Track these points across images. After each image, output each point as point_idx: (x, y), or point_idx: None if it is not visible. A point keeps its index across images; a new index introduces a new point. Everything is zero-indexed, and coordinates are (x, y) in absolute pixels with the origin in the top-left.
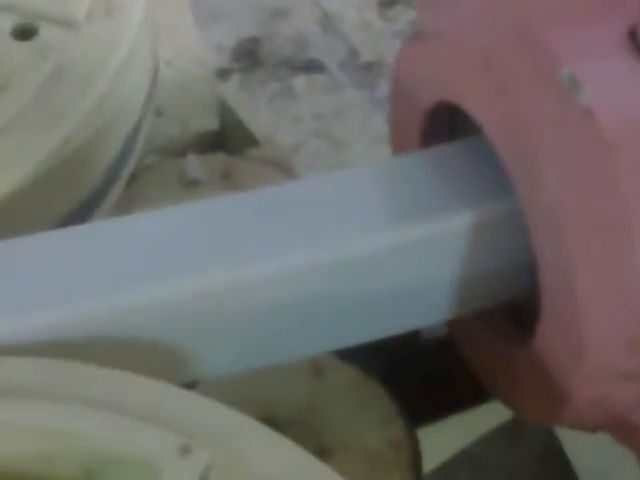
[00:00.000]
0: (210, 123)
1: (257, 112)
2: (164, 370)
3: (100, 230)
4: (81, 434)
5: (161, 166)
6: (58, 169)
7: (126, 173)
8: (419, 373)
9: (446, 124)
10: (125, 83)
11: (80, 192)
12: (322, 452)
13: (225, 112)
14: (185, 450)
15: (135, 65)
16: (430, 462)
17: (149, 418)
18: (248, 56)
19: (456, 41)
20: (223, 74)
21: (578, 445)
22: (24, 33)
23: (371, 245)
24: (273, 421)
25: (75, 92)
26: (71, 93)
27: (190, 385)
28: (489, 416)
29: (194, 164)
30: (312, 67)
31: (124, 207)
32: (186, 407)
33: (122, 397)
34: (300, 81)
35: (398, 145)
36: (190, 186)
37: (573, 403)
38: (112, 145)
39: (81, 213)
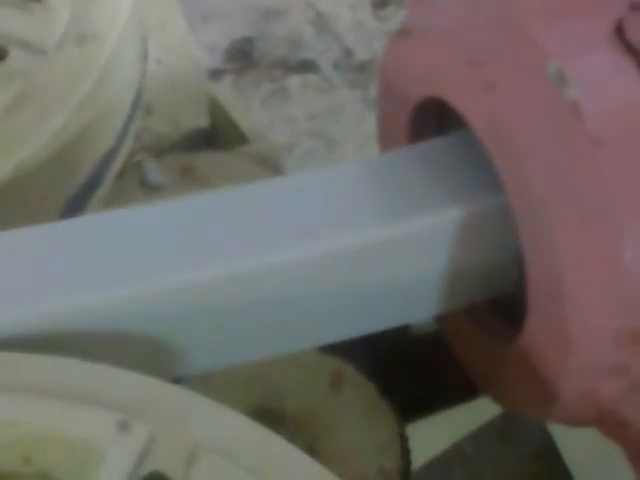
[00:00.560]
0: (200, 120)
1: (250, 112)
2: (154, 364)
3: (88, 224)
4: (15, 422)
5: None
6: (22, 185)
7: (107, 183)
8: (409, 368)
9: (434, 120)
10: (105, 94)
11: (48, 208)
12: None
13: (215, 109)
14: (124, 426)
15: (115, 79)
16: (420, 458)
17: (83, 399)
18: (241, 56)
19: (443, 37)
20: (216, 75)
21: (571, 441)
22: None
23: (359, 241)
24: (273, 412)
25: (35, 119)
26: (32, 119)
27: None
28: (480, 412)
29: (152, 168)
30: (305, 67)
31: (114, 201)
32: (122, 385)
33: (54, 381)
34: (294, 81)
35: (386, 141)
36: (153, 190)
37: (561, 397)
38: (85, 167)
39: (65, 213)
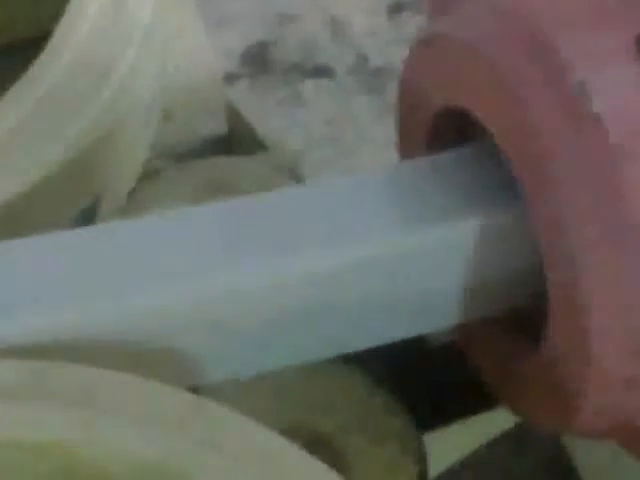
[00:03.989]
0: (218, 128)
1: (265, 117)
2: (170, 374)
3: (105, 232)
4: None
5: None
6: None
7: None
8: (425, 379)
9: (454, 130)
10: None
11: None
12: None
13: (233, 117)
14: None
15: (132, 91)
16: (435, 468)
17: None
18: (256, 61)
19: (465, 47)
20: (231, 79)
21: (585, 454)
22: None
23: (377, 251)
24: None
25: None
26: None
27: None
28: (495, 423)
29: None
30: (321, 72)
31: (131, 211)
32: None
33: None
34: (309, 86)
35: (405, 151)
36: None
37: (581, 410)
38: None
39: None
